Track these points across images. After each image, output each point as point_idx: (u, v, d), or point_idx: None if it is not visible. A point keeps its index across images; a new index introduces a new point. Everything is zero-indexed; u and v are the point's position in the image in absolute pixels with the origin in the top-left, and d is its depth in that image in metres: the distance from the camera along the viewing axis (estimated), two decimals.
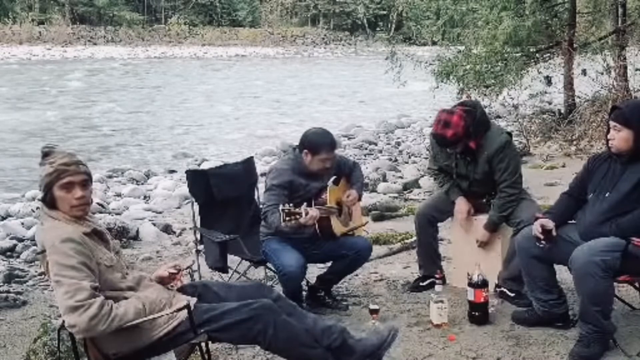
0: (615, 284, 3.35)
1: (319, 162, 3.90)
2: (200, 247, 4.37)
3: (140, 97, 22.69)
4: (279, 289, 3.84)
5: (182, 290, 2.94)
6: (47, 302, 4.48)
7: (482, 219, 4.21)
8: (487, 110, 11.45)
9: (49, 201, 2.66)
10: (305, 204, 3.71)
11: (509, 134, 4.19)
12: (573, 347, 3.35)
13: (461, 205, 4.26)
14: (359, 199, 4.26)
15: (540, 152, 10.07)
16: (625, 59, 10.98)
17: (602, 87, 10.68)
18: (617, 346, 3.36)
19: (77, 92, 23.68)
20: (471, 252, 4.22)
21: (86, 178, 2.68)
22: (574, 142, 10.16)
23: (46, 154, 2.68)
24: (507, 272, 4.07)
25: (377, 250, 5.07)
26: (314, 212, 3.68)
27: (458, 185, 4.28)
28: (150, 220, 6.98)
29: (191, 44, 55.20)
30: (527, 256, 3.59)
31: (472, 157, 4.09)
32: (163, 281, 2.92)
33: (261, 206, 4.05)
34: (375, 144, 12.83)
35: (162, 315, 2.68)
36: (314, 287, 4.22)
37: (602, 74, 10.60)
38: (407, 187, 8.42)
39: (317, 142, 3.90)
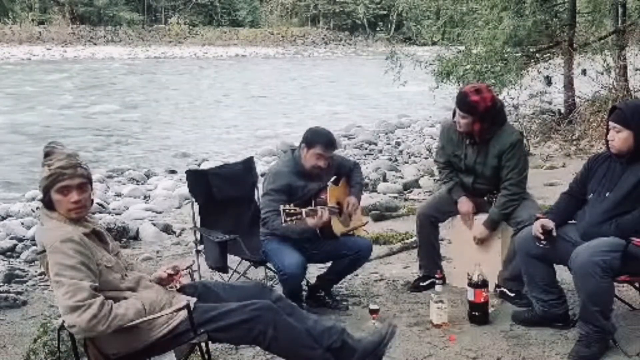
0: (615, 284, 3.35)
1: (313, 158, 3.89)
2: (200, 247, 4.37)
3: (140, 97, 22.69)
4: (279, 289, 3.84)
5: (182, 290, 2.94)
6: (47, 302, 4.48)
7: (482, 218, 4.21)
8: None
9: (47, 203, 2.67)
10: (303, 211, 3.70)
11: (521, 134, 4.21)
12: (573, 347, 3.35)
13: (465, 204, 4.25)
14: (358, 201, 4.26)
15: (540, 152, 10.08)
16: (625, 59, 10.98)
17: (602, 87, 10.68)
18: (617, 346, 3.36)
19: (77, 92, 23.68)
20: (471, 252, 4.22)
21: (84, 181, 2.67)
22: (574, 142, 10.16)
23: (47, 154, 2.67)
24: (507, 272, 4.07)
25: (377, 250, 5.07)
26: (324, 215, 3.72)
27: (461, 183, 4.27)
28: (150, 220, 6.98)
29: (191, 44, 55.17)
30: (527, 256, 3.60)
31: (481, 148, 4.08)
32: (162, 282, 2.92)
33: (261, 208, 4.05)
34: (375, 144, 12.83)
35: (162, 315, 2.68)
36: (314, 287, 4.22)
37: (602, 74, 10.60)
38: (407, 187, 8.42)
39: (314, 136, 3.93)
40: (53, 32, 54.13)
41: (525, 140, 10.35)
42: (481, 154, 4.10)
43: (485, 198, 4.26)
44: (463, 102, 3.98)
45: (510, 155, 4.03)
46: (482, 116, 3.95)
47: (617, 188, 3.34)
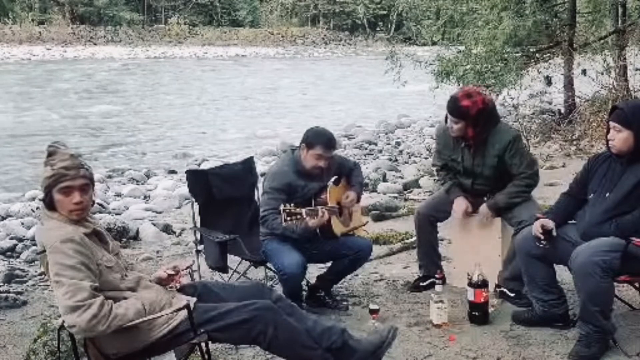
0: (615, 284, 3.35)
1: (312, 158, 3.89)
2: (200, 247, 4.37)
3: (140, 97, 22.69)
4: (279, 289, 3.85)
5: (182, 290, 2.94)
6: (47, 302, 4.48)
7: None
8: None
9: (49, 203, 2.67)
10: (303, 211, 3.71)
11: (517, 130, 4.22)
12: (573, 347, 3.35)
13: (459, 203, 4.25)
14: (358, 200, 4.27)
15: (540, 152, 10.06)
16: (625, 59, 10.99)
17: (602, 87, 10.68)
18: (617, 346, 3.36)
19: (77, 92, 23.66)
20: (471, 252, 4.21)
21: (86, 182, 2.67)
22: (574, 142, 10.17)
23: (50, 154, 2.67)
24: (507, 272, 4.07)
25: (377, 250, 5.07)
26: (325, 214, 3.73)
27: (460, 184, 4.27)
28: (150, 220, 6.98)
29: (191, 44, 55.07)
30: (527, 256, 3.60)
31: (478, 150, 4.08)
32: (162, 282, 2.92)
33: (260, 206, 4.05)
34: (375, 144, 12.83)
35: (162, 315, 2.68)
36: (314, 287, 4.22)
37: (602, 74, 10.60)
38: (407, 187, 8.42)
39: (314, 137, 3.93)
40: (53, 32, 54.02)
41: (525, 140, 10.38)
42: (478, 155, 4.10)
43: (485, 198, 4.26)
44: (454, 107, 3.97)
45: (512, 152, 4.01)
46: (474, 120, 3.94)
47: (617, 188, 3.34)
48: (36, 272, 5.23)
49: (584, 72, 11.60)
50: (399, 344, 3.48)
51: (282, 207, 3.63)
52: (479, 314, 3.81)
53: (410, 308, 4.11)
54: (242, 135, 14.87)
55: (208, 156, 11.86)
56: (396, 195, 7.96)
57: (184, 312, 2.66)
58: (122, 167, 10.65)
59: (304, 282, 4.10)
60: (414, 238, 4.79)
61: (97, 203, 7.39)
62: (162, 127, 16.11)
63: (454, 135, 4.07)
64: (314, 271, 4.35)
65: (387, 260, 5.21)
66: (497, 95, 11.06)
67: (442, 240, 4.69)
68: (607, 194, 3.37)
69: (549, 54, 11.86)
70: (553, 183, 7.50)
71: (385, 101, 20.90)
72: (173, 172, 10.36)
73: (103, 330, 2.52)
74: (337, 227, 4.03)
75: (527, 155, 4.10)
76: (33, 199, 7.99)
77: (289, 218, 3.62)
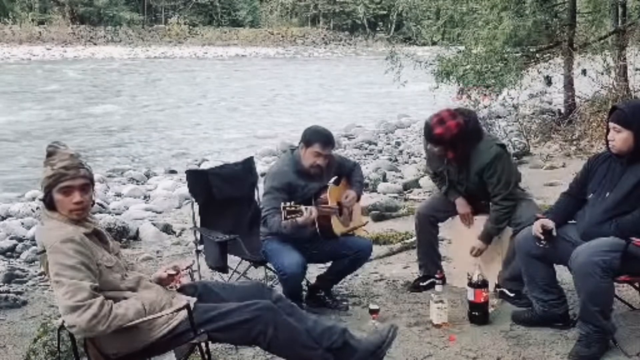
0: (615, 284, 3.35)
1: (311, 156, 3.90)
2: (200, 247, 4.37)
3: (140, 97, 22.67)
4: (279, 289, 3.85)
5: (182, 290, 2.94)
6: (47, 302, 4.48)
7: (482, 219, 4.20)
8: (487, 110, 11.41)
9: (49, 202, 2.67)
10: (303, 209, 3.70)
11: (502, 145, 4.13)
12: (573, 347, 3.35)
13: (463, 205, 4.26)
14: (358, 200, 4.27)
15: (540, 152, 10.07)
16: (625, 59, 10.98)
17: (602, 87, 10.68)
18: (617, 346, 3.36)
19: (77, 92, 23.66)
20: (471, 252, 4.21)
21: (86, 182, 2.67)
22: (574, 142, 10.17)
23: (50, 154, 2.67)
24: (507, 272, 4.07)
25: (377, 250, 5.07)
26: (313, 212, 3.70)
27: (455, 188, 4.27)
28: (150, 220, 6.97)
29: (191, 44, 55.08)
30: (527, 256, 3.60)
31: (462, 167, 4.08)
32: (162, 282, 2.92)
33: (261, 207, 4.05)
34: (375, 144, 12.83)
35: (162, 315, 2.69)
36: (314, 287, 4.22)
37: (602, 74, 10.59)
38: (407, 187, 8.42)
39: (312, 135, 3.94)
40: (53, 32, 54.01)
41: (525, 140, 10.38)
42: (463, 171, 4.11)
43: (483, 202, 4.26)
44: (428, 135, 4.01)
45: (490, 172, 4.01)
46: (451, 144, 3.96)
47: (617, 188, 3.34)
48: (36, 272, 5.24)
49: (584, 72, 11.58)
50: (399, 344, 3.49)
51: (282, 204, 3.63)
52: (479, 314, 3.81)
53: (410, 308, 4.11)
54: (242, 135, 14.87)
55: (208, 156, 11.86)
56: (396, 195, 7.96)
57: (184, 312, 2.66)
58: (122, 167, 10.65)
59: (304, 282, 4.10)
60: (414, 238, 4.79)
61: (97, 203, 7.38)
62: (162, 127, 16.11)
63: (436, 155, 4.11)
64: (314, 271, 4.36)
65: (387, 260, 5.21)
66: (497, 95, 11.07)
67: (442, 240, 4.69)
68: (607, 194, 3.37)
69: (549, 54, 11.85)
70: (553, 183, 7.50)
71: (385, 101, 20.90)
72: (173, 172, 10.35)
73: (103, 330, 2.52)
74: (337, 227, 4.03)
75: (505, 174, 4.01)
76: (33, 199, 7.99)
77: (289, 216, 3.62)
